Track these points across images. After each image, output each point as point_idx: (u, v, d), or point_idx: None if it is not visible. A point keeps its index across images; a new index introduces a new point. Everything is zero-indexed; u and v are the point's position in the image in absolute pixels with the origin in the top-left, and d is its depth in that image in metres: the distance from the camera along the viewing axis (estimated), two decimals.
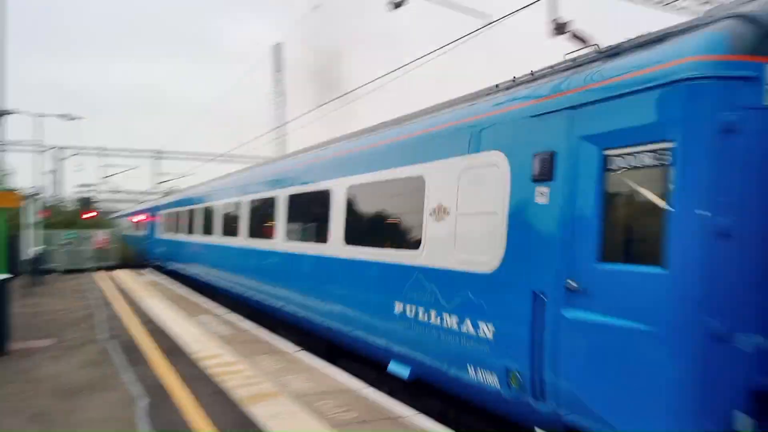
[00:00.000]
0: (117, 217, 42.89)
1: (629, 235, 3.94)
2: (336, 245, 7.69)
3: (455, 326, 5.30)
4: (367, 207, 7.20)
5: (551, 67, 5.17)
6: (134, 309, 13.60)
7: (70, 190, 52.50)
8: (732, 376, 3.47)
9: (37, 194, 21.67)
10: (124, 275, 23.10)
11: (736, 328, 3.48)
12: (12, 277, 9.73)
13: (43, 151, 33.48)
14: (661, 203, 3.68)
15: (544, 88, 4.75)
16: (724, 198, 3.48)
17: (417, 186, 6.08)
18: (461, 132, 5.50)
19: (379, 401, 6.33)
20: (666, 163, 3.66)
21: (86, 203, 35.06)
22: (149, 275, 23.25)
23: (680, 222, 3.57)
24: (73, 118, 22.24)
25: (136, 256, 30.81)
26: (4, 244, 9.33)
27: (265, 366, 7.90)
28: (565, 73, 4.73)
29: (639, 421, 3.65)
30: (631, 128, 3.86)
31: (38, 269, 20.98)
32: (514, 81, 5.50)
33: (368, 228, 7.12)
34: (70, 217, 29.73)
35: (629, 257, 3.88)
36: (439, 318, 5.52)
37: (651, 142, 3.74)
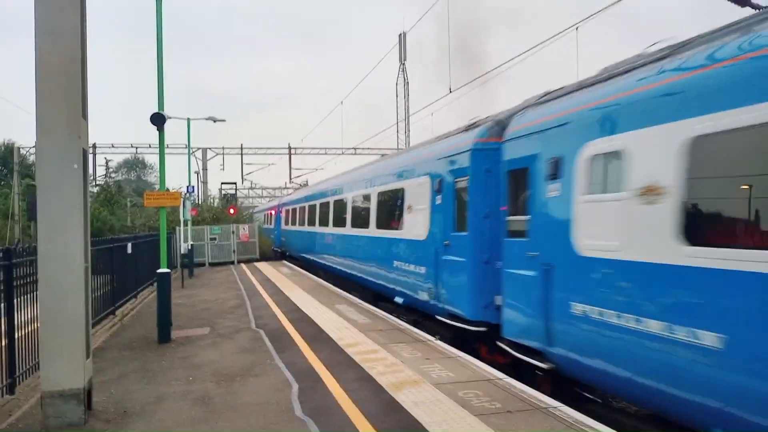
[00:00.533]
0: (256, 212, 46.56)
1: (459, 218, 9.11)
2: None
3: (413, 269, 10.71)
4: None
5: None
6: (279, 299, 14.75)
7: (214, 189, 57.94)
8: (492, 279, 8.27)
9: (191, 193, 24.14)
10: (265, 267, 25.08)
11: (491, 258, 8.40)
12: (170, 271, 11.06)
13: (193, 152, 37.39)
14: (466, 202, 8.75)
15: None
16: (486, 200, 8.54)
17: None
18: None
19: (522, 391, 6.32)
20: (466, 186, 8.87)
21: (229, 200, 38.48)
22: (287, 266, 25.01)
23: (471, 211, 8.71)
24: (216, 120, 24.46)
25: (273, 248, 33.27)
26: (165, 240, 10.63)
27: (405, 354, 8.21)
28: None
29: (460, 303, 8.86)
30: (456, 169, 9.23)
31: (191, 263, 23.52)
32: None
33: None
34: (216, 214, 32.72)
35: (459, 228, 9.10)
36: (409, 265, 10.86)
37: (462, 177, 9.03)
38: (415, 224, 10.53)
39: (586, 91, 6.14)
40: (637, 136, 5.18)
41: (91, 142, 53.23)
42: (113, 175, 65.01)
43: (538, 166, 6.75)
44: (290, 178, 53.81)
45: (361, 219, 14.28)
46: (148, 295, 16.64)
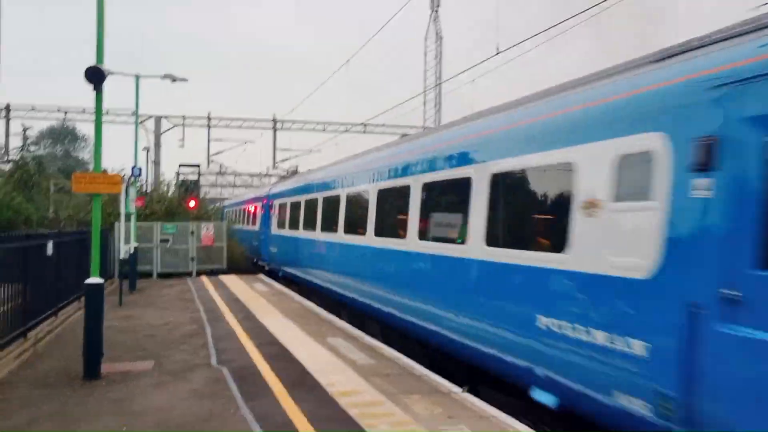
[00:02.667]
0: (227, 206, 46.89)
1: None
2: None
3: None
4: None
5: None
6: (250, 326, 14.84)
7: (170, 172, 58.34)
8: None
9: (138, 177, 24.35)
10: (233, 282, 25.23)
11: None
12: (103, 283, 11.17)
13: (143, 122, 37.59)
14: None
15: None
16: None
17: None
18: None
19: None
20: None
21: (190, 188, 38.62)
22: (265, 282, 25.12)
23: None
24: (175, 80, 24.65)
25: (248, 257, 33.38)
26: (98, 239, 10.74)
27: (420, 410, 8.23)
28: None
29: None
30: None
31: (133, 272, 23.72)
32: None
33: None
34: (170, 207, 32.81)
35: None
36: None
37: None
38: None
39: None
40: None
41: (2, 101, 53.85)
42: (33, 148, 65.82)
43: None
44: (274, 162, 54.10)
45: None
46: (73, 314, 16.79)
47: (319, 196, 19.26)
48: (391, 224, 13.39)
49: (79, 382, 10.03)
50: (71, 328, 15.04)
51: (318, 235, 18.83)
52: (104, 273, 23.48)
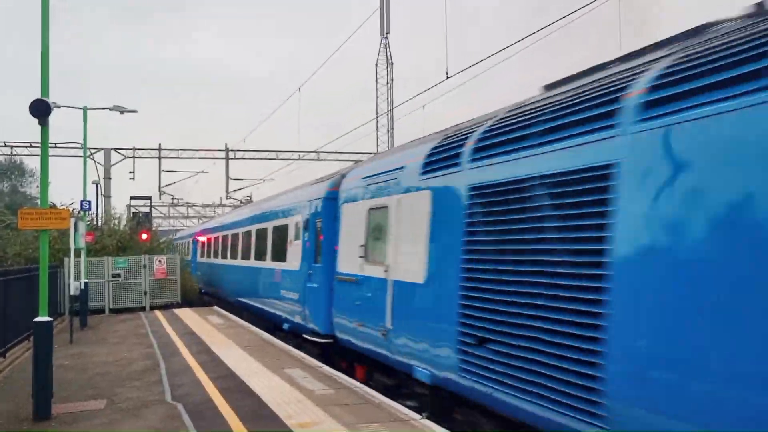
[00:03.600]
0: (179, 239, 46.35)
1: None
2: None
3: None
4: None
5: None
6: (205, 359, 14.63)
7: (120, 205, 57.51)
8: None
9: (87, 211, 23.94)
10: (188, 315, 24.87)
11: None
12: (53, 320, 10.94)
13: (92, 155, 37.02)
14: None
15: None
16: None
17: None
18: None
19: None
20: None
21: (141, 221, 38.09)
22: (220, 314, 24.84)
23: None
24: (123, 111, 24.39)
25: (203, 289, 32.99)
26: (45, 276, 10.52)
27: None
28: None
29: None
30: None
31: (84, 309, 23.23)
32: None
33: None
34: (121, 240, 32.34)
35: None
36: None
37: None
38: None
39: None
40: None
41: None
42: None
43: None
44: (227, 192, 53.73)
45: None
46: (21, 354, 16.39)
47: (215, 234, 29.79)
48: (239, 251, 24.50)
49: (29, 424, 9.79)
50: (20, 368, 14.67)
51: (218, 260, 28.94)
52: (54, 310, 23.00)
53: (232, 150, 53.03)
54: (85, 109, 23.78)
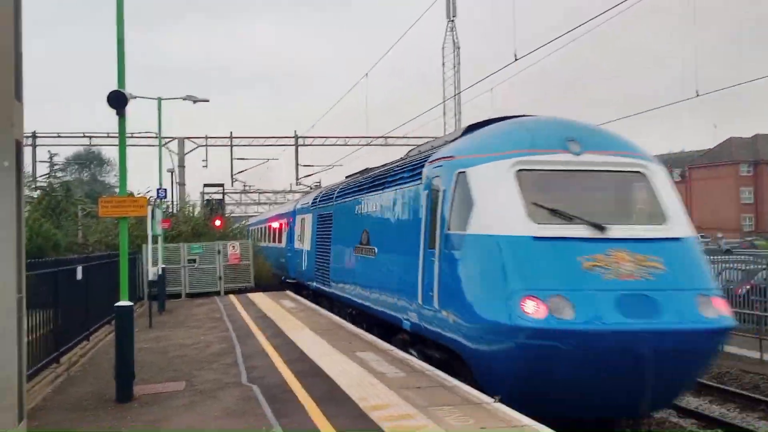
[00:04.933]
0: (252, 225, 47.22)
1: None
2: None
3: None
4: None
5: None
6: (279, 342, 14.87)
7: (194, 193, 58.74)
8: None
9: (163, 198, 24.55)
10: (261, 299, 25.32)
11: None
12: (133, 304, 11.27)
13: (166, 144, 37.78)
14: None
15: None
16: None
17: None
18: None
19: None
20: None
21: (215, 208, 38.88)
22: (293, 299, 25.19)
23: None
24: (197, 101, 24.90)
25: (275, 274, 33.58)
26: (126, 262, 10.84)
27: (453, 421, 8.17)
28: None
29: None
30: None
31: (162, 294, 23.90)
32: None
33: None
34: (196, 227, 33.12)
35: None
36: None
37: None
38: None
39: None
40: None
41: (29, 129, 54.70)
42: (60, 174, 66.71)
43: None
44: (297, 178, 54.38)
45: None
46: (104, 337, 16.95)
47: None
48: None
49: (113, 405, 10.10)
50: (103, 351, 15.18)
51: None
52: (133, 295, 23.70)
53: (301, 137, 53.63)
54: (159, 100, 24.38)
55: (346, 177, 24.19)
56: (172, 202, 41.45)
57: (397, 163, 16.83)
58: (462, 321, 10.71)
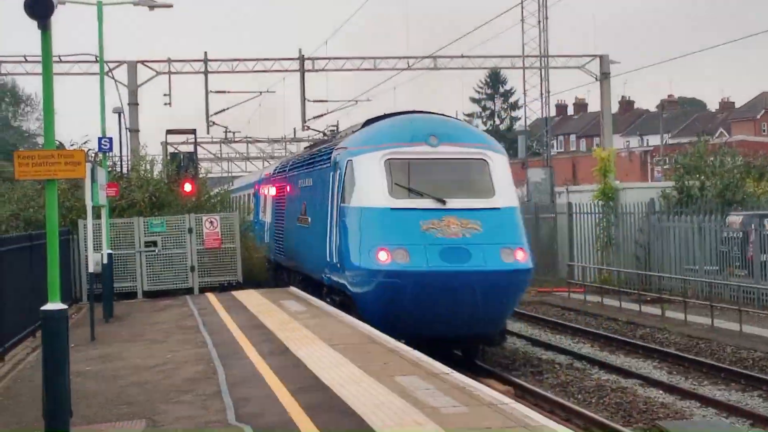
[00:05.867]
0: (236, 189, 47.34)
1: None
2: None
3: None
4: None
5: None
6: (281, 363, 14.92)
7: (154, 144, 58.83)
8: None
9: (108, 152, 24.56)
10: (255, 299, 25.41)
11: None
12: (67, 308, 11.30)
13: (110, 71, 37.45)
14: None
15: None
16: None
17: None
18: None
19: None
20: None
21: (183, 166, 38.63)
22: (299, 298, 25.24)
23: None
24: (153, 6, 24.92)
25: (270, 262, 33.69)
26: (56, 246, 10.85)
27: None
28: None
29: None
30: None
31: (110, 292, 24.01)
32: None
33: None
34: (157, 193, 32.75)
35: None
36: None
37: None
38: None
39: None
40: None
41: None
42: None
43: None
44: (303, 120, 54.09)
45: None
46: (26, 356, 17.14)
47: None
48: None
49: None
50: (25, 376, 15.34)
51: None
52: (67, 295, 23.73)
53: (308, 58, 52.95)
54: (99, 4, 24.38)
55: (305, 148, 41.67)
56: (121, 157, 41.47)
57: (325, 144, 29.69)
58: (346, 269, 21.65)
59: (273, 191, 38.00)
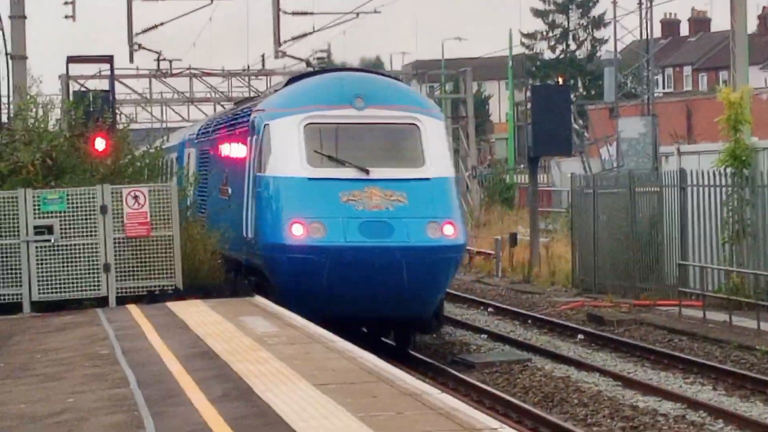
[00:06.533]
0: (172, 146, 47.58)
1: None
2: None
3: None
4: None
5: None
6: (242, 411, 14.89)
7: (48, 79, 59.17)
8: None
9: None
10: (202, 315, 25.51)
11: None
12: None
13: None
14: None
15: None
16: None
17: None
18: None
19: None
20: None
21: (92, 111, 38.50)
22: (267, 313, 25.36)
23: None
24: None
25: (230, 259, 33.98)
26: None
27: None
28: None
29: None
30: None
31: None
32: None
33: None
34: (51, 154, 32.72)
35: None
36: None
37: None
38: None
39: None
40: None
41: None
42: None
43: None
44: (277, 42, 54.43)
45: None
46: None
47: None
48: None
49: None
50: None
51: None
52: None
53: None
54: None
55: (234, 103, 51.18)
56: (1, 99, 41.57)
57: (248, 104, 37.47)
58: (260, 243, 28.92)
59: (197, 156, 46.79)
